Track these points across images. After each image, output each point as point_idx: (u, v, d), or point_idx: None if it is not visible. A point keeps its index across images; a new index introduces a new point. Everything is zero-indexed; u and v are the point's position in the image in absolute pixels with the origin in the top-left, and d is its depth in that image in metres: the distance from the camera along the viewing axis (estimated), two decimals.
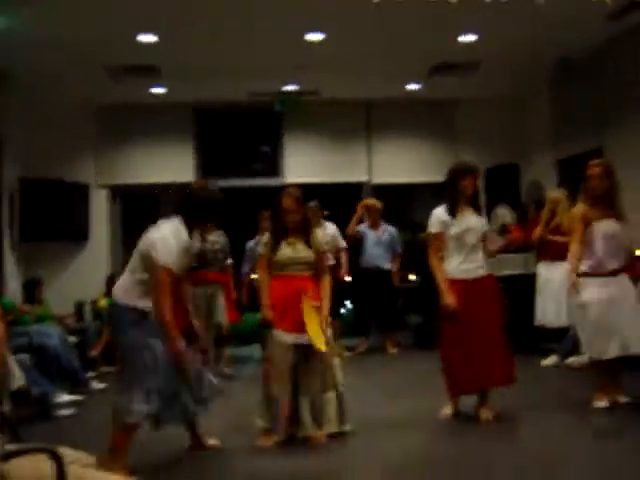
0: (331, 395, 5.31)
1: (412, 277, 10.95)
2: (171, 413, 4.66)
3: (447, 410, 5.73)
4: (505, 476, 4.27)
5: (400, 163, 11.80)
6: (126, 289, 4.61)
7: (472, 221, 5.64)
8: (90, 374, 7.99)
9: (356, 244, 10.01)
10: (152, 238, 4.55)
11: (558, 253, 6.95)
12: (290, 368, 5.21)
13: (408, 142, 11.82)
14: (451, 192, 5.67)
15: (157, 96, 10.73)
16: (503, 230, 8.94)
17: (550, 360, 8.01)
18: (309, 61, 9.21)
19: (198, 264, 6.28)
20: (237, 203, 11.51)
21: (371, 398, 6.72)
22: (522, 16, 7.79)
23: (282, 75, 10.11)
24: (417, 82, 10.68)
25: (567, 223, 6.74)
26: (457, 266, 5.61)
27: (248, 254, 9.26)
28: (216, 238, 8.15)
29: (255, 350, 8.44)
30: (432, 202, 6.14)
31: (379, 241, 9.89)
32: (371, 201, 10.20)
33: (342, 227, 9.83)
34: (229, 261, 8.52)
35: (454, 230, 5.60)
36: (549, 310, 7.85)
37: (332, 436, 5.26)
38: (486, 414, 5.56)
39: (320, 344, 5.15)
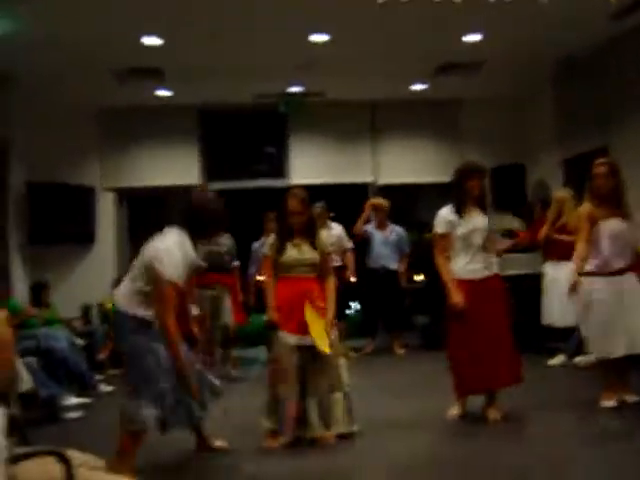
0: (338, 395, 5.31)
1: (418, 278, 10.94)
2: (177, 417, 4.64)
3: (454, 410, 5.73)
4: (513, 477, 4.26)
5: (405, 163, 11.79)
6: (126, 297, 4.59)
7: (479, 221, 5.64)
8: (98, 377, 8.00)
9: (363, 244, 10.01)
10: (157, 250, 4.51)
11: (564, 253, 6.93)
12: (297, 369, 5.21)
13: (413, 142, 11.81)
14: (457, 192, 5.67)
15: (162, 98, 10.74)
16: (510, 234, 8.90)
17: (557, 360, 8.00)
18: (313, 62, 9.20)
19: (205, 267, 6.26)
20: (242, 205, 11.53)
21: (378, 398, 6.72)
22: (526, 15, 7.79)
23: (286, 76, 10.11)
24: (422, 82, 10.67)
25: (573, 222, 6.74)
26: (464, 266, 5.61)
27: (254, 255, 9.26)
28: (222, 240, 8.16)
29: (261, 352, 8.44)
30: (438, 202, 6.15)
31: (386, 241, 9.87)
32: (378, 200, 10.16)
33: (348, 228, 9.83)
34: (235, 263, 8.52)
35: (461, 230, 5.60)
36: (556, 310, 7.83)
37: (340, 437, 5.26)
38: (494, 414, 5.56)
39: (324, 346, 5.15)
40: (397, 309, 9.91)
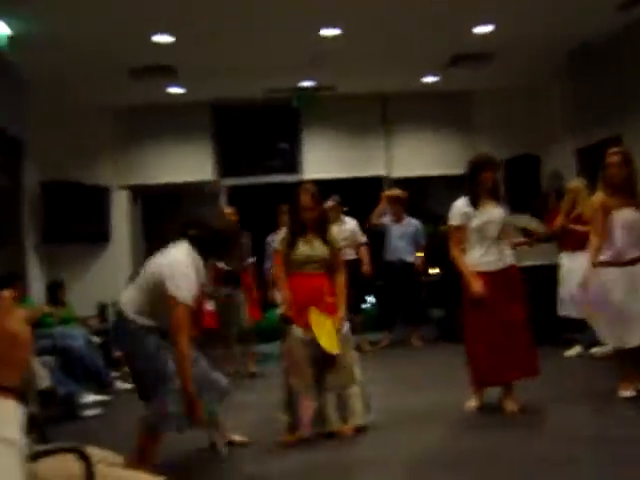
0: (355, 389, 5.32)
1: (433, 270, 10.92)
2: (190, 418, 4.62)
3: (472, 402, 5.73)
4: (531, 468, 4.25)
5: (418, 156, 11.76)
6: (132, 305, 4.55)
7: (493, 213, 5.62)
8: (114, 374, 8.04)
9: (378, 237, 10.00)
10: (172, 271, 4.38)
11: (580, 243, 6.91)
12: (310, 363, 5.22)
13: (425, 135, 11.78)
14: (471, 184, 5.66)
15: (175, 96, 10.76)
16: (526, 233, 8.83)
17: (574, 351, 7.97)
18: (325, 56, 9.19)
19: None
20: (256, 201, 11.55)
21: (395, 391, 6.73)
22: (537, 5, 7.76)
23: (298, 71, 10.10)
24: (433, 74, 10.64)
25: (588, 212, 6.71)
26: (478, 258, 5.60)
27: (268, 249, 9.26)
28: None
29: (276, 347, 8.47)
30: (450, 195, 6.14)
31: (403, 234, 9.84)
32: (393, 192, 10.10)
33: (362, 222, 9.82)
34: (251, 260, 8.54)
35: (475, 222, 5.59)
36: (572, 300, 7.80)
37: (357, 429, 5.27)
38: (511, 406, 5.55)
39: (331, 348, 5.16)
40: (414, 302, 9.90)
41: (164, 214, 11.87)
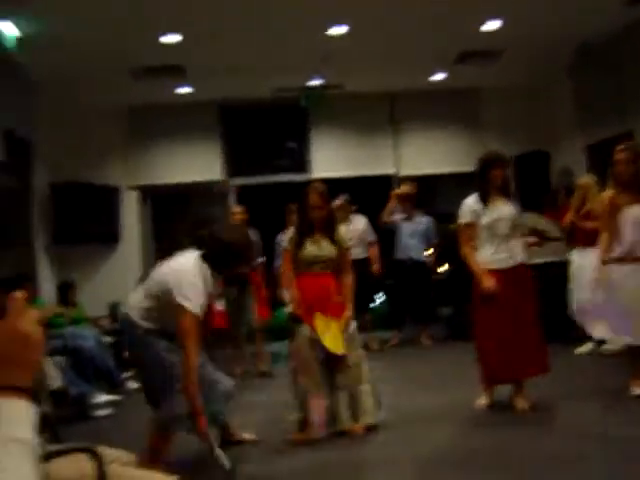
0: (366, 387, 5.32)
1: (442, 268, 10.88)
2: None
3: (482, 400, 5.72)
4: (542, 466, 4.24)
5: (427, 154, 11.75)
6: (139, 310, 4.56)
7: (504, 210, 5.61)
8: (125, 374, 8.05)
9: (389, 236, 9.98)
10: (180, 282, 4.35)
11: (590, 239, 6.89)
12: (320, 363, 5.22)
13: (434, 133, 11.77)
14: (481, 182, 5.65)
15: (183, 96, 10.78)
16: (536, 234, 8.79)
17: (584, 348, 7.95)
18: (332, 55, 9.19)
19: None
20: (265, 200, 11.56)
21: (405, 390, 6.73)
22: (545, 1, 7.75)
23: (306, 70, 10.10)
24: (441, 72, 10.63)
25: (598, 209, 6.69)
26: (489, 256, 5.59)
27: (278, 248, 9.24)
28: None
29: (285, 347, 8.48)
30: (458, 192, 6.13)
31: (414, 232, 9.79)
32: (402, 190, 10.02)
33: (371, 220, 9.80)
34: (260, 259, 8.53)
35: (485, 220, 5.58)
36: (583, 297, 7.77)
37: (368, 428, 5.27)
38: (522, 404, 5.54)
39: (336, 348, 5.17)
40: (424, 300, 9.88)
41: (173, 214, 11.90)
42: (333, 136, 11.71)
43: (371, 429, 5.27)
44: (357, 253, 9.09)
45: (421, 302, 9.80)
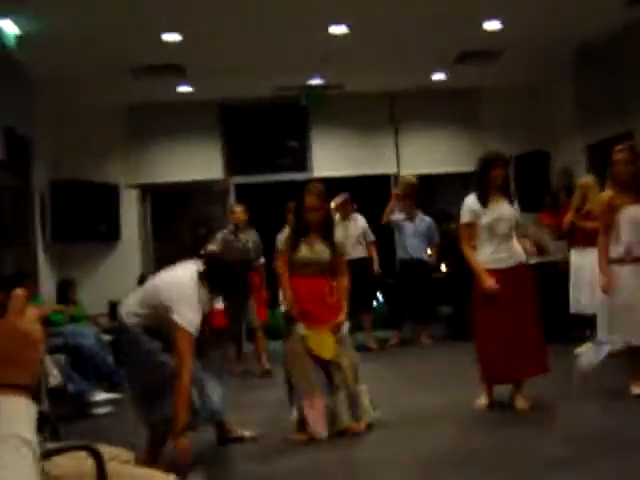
0: (364, 386, 5.32)
1: (442, 268, 10.88)
2: (198, 419, 4.62)
3: (482, 400, 5.71)
4: (541, 466, 4.25)
5: (427, 154, 11.74)
6: (135, 316, 4.55)
7: (504, 210, 5.61)
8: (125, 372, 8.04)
9: (390, 235, 9.97)
10: (176, 294, 4.35)
11: (589, 239, 6.89)
12: (315, 362, 5.21)
13: (434, 132, 11.76)
14: (481, 182, 5.65)
15: (183, 95, 10.78)
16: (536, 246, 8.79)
17: (585, 348, 7.94)
18: (332, 54, 9.19)
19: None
20: (265, 199, 11.55)
21: (405, 390, 6.72)
22: (546, 1, 7.75)
23: (306, 69, 10.10)
24: (441, 72, 10.63)
25: (597, 209, 6.69)
26: (489, 255, 5.58)
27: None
28: (248, 237, 8.16)
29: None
30: (460, 192, 6.13)
31: (416, 232, 9.77)
32: (401, 187, 10.00)
33: (371, 220, 9.79)
34: (261, 260, 8.53)
35: (485, 219, 5.58)
36: (583, 297, 7.78)
37: (367, 427, 5.28)
38: (521, 404, 5.54)
39: (325, 353, 5.16)
40: (426, 300, 9.87)
41: (173, 212, 11.91)
42: (333, 135, 11.70)
43: (369, 428, 5.27)
44: (357, 252, 9.11)
45: (421, 301, 9.79)
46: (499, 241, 5.58)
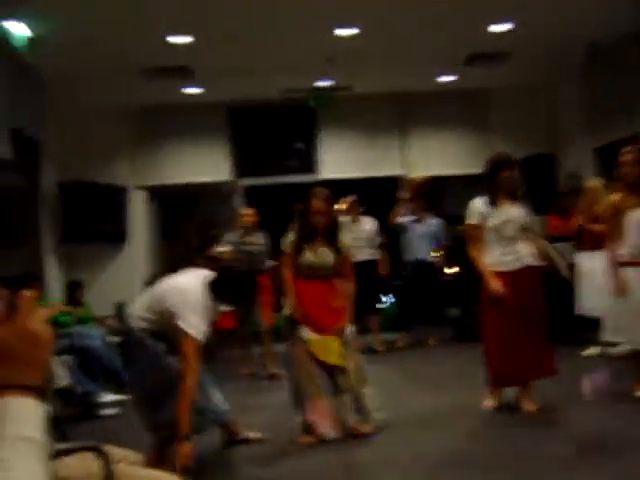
0: (368, 390, 5.32)
1: (450, 270, 10.85)
2: (204, 421, 4.62)
3: (489, 402, 5.70)
4: (549, 468, 4.24)
5: (435, 156, 11.73)
6: (142, 320, 4.55)
7: (512, 212, 5.60)
8: None
9: (397, 237, 9.96)
10: (183, 300, 4.35)
11: (598, 242, 6.87)
12: (319, 365, 5.21)
13: (442, 134, 11.76)
14: (490, 184, 5.64)
15: (192, 96, 10.80)
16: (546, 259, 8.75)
17: (592, 350, 7.92)
18: (340, 56, 9.20)
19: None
20: (273, 201, 11.55)
21: (412, 391, 6.72)
22: (555, 1, 7.74)
23: (314, 71, 10.11)
24: (449, 74, 10.63)
25: (603, 212, 6.68)
26: (497, 258, 5.57)
27: None
28: (256, 239, 8.15)
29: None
30: (468, 194, 6.11)
31: (424, 233, 9.75)
32: (412, 186, 9.98)
33: (379, 222, 9.77)
34: (270, 263, 8.52)
35: (493, 222, 5.57)
36: (590, 300, 7.76)
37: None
38: (528, 406, 5.53)
39: (331, 359, 5.16)
40: (433, 302, 9.85)
41: (181, 214, 11.92)
42: (341, 137, 11.70)
43: (374, 430, 5.27)
44: (365, 254, 9.09)
45: (429, 303, 9.77)
46: (506, 243, 5.57)
